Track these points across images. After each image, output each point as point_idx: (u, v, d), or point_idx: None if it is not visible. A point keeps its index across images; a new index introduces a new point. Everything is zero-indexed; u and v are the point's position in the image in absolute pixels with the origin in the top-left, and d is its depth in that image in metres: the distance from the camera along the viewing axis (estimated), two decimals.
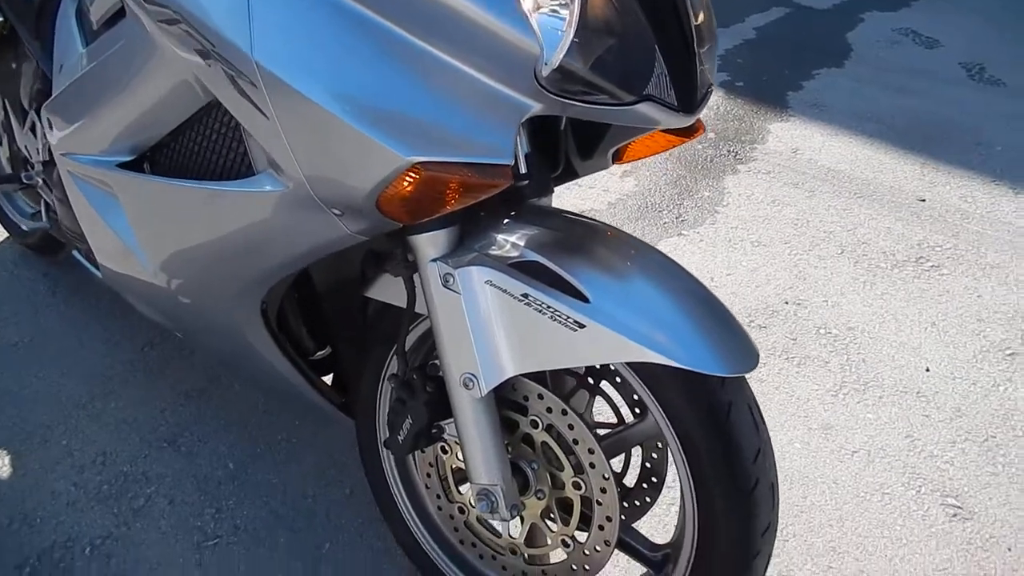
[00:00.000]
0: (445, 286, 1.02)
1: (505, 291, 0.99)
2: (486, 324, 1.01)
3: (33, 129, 1.64)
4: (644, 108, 0.88)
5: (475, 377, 1.03)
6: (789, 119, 3.08)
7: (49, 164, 1.56)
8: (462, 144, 0.86)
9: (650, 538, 1.21)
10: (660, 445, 1.20)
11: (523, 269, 1.00)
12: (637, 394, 1.15)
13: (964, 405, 1.81)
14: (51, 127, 1.36)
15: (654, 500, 1.23)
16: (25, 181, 1.70)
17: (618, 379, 1.19)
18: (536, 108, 0.87)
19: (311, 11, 0.88)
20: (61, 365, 1.90)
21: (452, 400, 1.09)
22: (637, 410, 1.18)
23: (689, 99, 0.91)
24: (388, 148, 0.85)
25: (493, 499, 1.10)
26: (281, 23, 0.88)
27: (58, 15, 1.49)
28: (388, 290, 1.18)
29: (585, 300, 0.96)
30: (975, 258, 2.32)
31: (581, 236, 1.07)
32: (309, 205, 0.96)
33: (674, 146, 1.16)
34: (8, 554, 1.47)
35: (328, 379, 1.44)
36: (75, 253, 1.60)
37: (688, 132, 1.11)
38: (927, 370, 1.91)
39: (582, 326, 0.95)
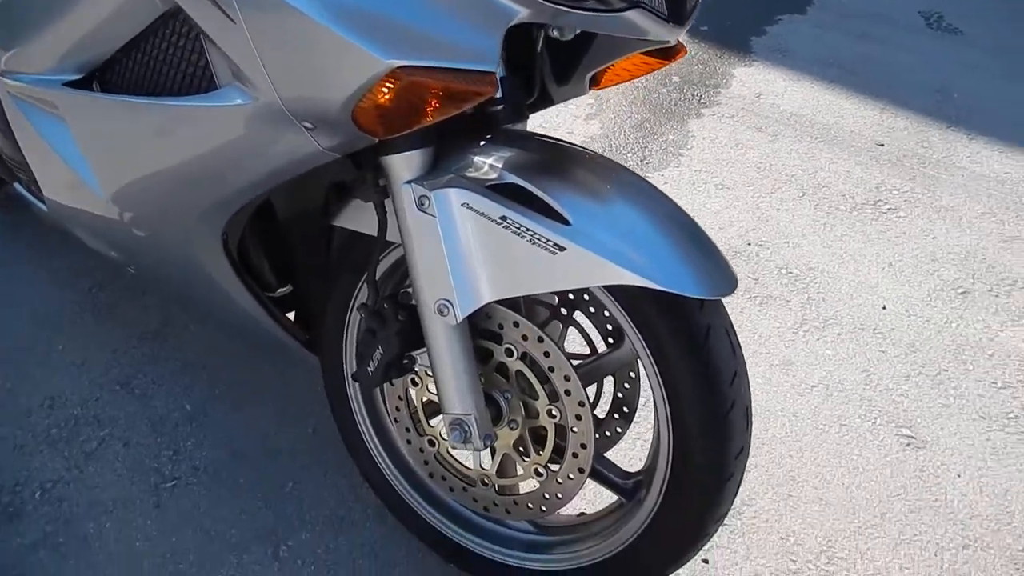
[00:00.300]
0: (420, 209, 0.98)
1: (482, 214, 0.96)
2: (462, 248, 0.98)
3: None
4: (634, 16, 0.84)
5: (450, 303, 1.00)
6: (752, 64, 3.06)
7: None
8: (445, 49, 0.81)
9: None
10: (633, 375, 1.20)
11: (501, 191, 0.97)
12: (614, 320, 1.14)
13: (918, 341, 1.85)
14: None
15: (624, 431, 1.23)
16: None
17: (591, 309, 1.18)
18: (523, 13, 0.82)
19: None
20: (4, 305, 1.81)
21: (425, 328, 1.06)
22: (611, 340, 1.17)
23: (679, 10, 0.88)
24: (367, 52, 0.80)
25: (466, 429, 1.08)
26: None
27: None
28: (357, 218, 1.14)
29: (565, 223, 0.94)
30: (931, 201, 2.36)
31: (560, 159, 1.03)
32: (278, 119, 0.90)
33: (653, 70, 1.13)
34: None
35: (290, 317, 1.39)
36: (16, 186, 1.50)
37: (669, 54, 1.08)
38: (884, 308, 1.94)
39: (562, 249, 0.92)
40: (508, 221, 0.94)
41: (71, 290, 1.86)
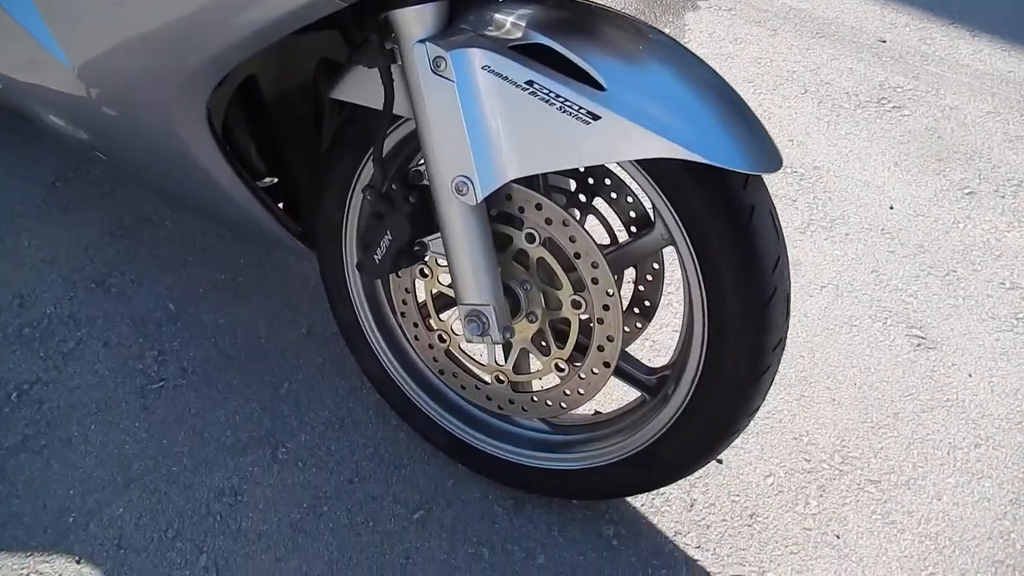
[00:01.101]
0: (435, 72, 0.87)
1: (506, 78, 0.85)
2: (483, 117, 0.88)
3: None
4: None
5: (469, 181, 0.90)
6: None
7: None
8: None
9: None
10: (656, 267, 1.12)
11: (526, 53, 0.86)
12: (639, 205, 1.06)
13: (927, 241, 1.80)
14: None
15: (644, 327, 1.16)
16: None
17: (614, 195, 1.09)
18: None
19: None
20: None
21: (440, 211, 0.96)
22: (634, 228, 1.09)
23: None
24: None
25: (484, 320, 1.00)
26: None
27: None
28: (357, 88, 1.02)
29: (599, 88, 0.84)
30: (935, 99, 2.28)
31: (588, 18, 0.92)
32: None
33: None
34: None
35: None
36: None
37: None
38: (891, 208, 1.89)
39: (597, 118, 0.83)
40: (535, 86, 0.84)
41: (33, 182, 1.72)
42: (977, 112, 2.25)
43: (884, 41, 2.53)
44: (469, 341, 1.04)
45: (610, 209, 1.10)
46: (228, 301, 1.51)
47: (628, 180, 1.03)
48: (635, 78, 0.86)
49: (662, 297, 1.13)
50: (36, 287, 1.50)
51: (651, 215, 1.04)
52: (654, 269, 1.12)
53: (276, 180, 1.29)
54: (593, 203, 1.13)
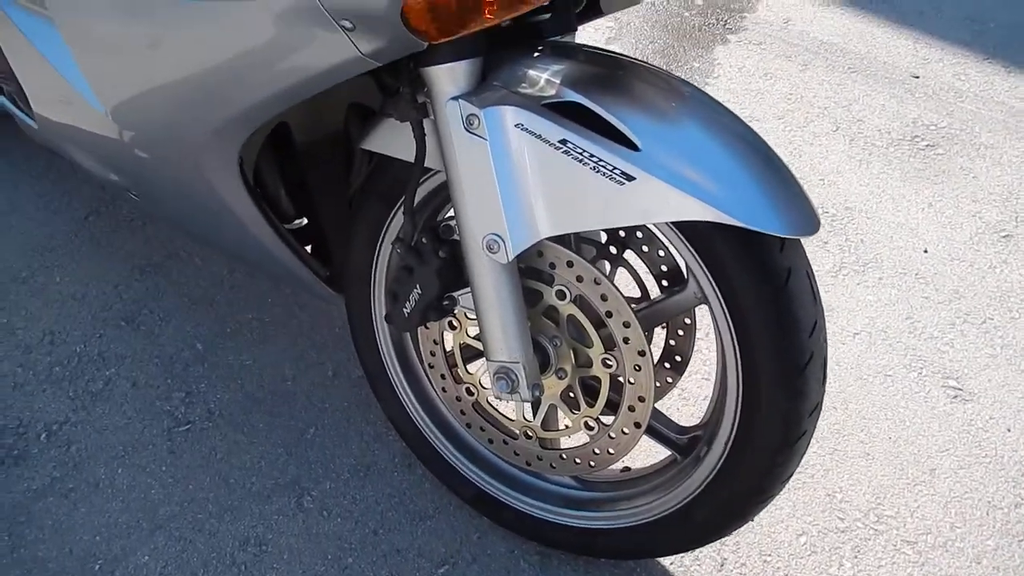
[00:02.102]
0: (468, 129, 0.86)
1: (539, 136, 0.84)
2: (516, 176, 0.87)
3: None
4: None
5: (501, 239, 0.89)
6: None
7: None
8: None
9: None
10: (688, 322, 1.10)
11: (559, 111, 0.85)
12: (671, 260, 1.04)
13: (962, 287, 1.76)
14: None
15: (675, 382, 1.14)
16: None
17: (645, 248, 1.08)
18: None
19: None
20: None
21: (470, 266, 0.95)
22: (665, 282, 1.07)
23: None
24: None
25: (514, 378, 0.99)
26: None
27: None
28: (388, 140, 1.02)
29: (634, 148, 0.82)
30: (969, 138, 2.24)
31: (620, 74, 0.91)
32: (311, 16, 0.78)
33: None
34: None
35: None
36: (2, 99, 1.37)
37: None
38: (925, 251, 1.85)
39: (631, 178, 0.82)
40: (569, 145, 0.83)
41: (65, 217, 1.74)
42: (1013, 151, 2.20)
43: (917, 77, 2.50)
44: (498, 398, 1.02)
45: (641, 262, 1.09)
46: (255, 341, 1.51)
47: (660, 235, 1.01)
48: (669, 137, 0.85)
49: (693, 351, 1.12)
50: (66, 324, 1.51)
51: (684, 272, 1.02)
52: (686, 324, 1.11)
53: (305, 222, 1.30)
54: (623, 256, 1.12)
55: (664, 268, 1.07)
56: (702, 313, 1.05)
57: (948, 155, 2.17)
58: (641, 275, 1.13)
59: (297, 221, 1.29)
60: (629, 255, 1.11)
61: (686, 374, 1.49)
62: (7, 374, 1.42)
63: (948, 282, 1.77)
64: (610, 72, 0.91)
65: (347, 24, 0.77)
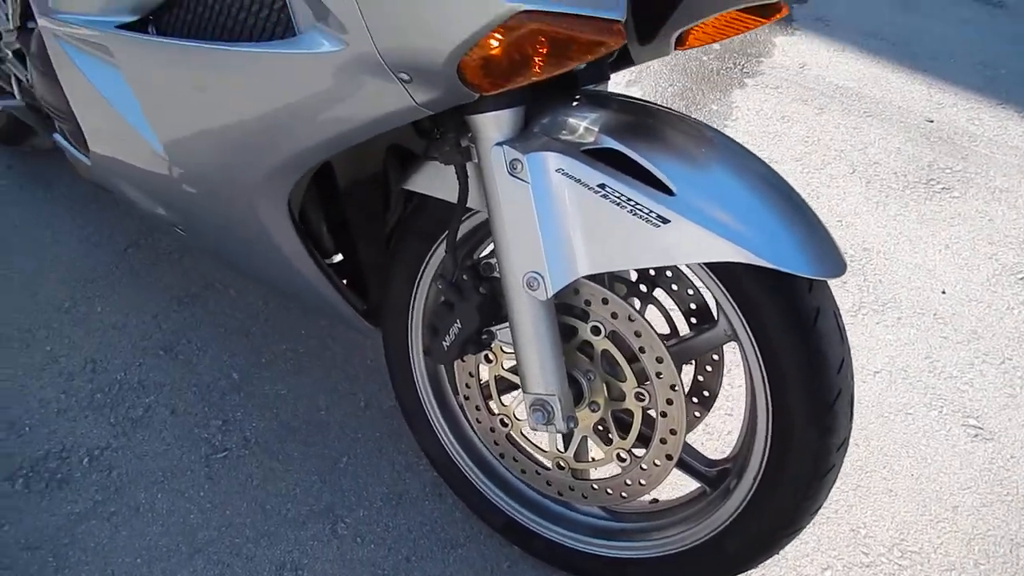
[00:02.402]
0: (511, 173, 0.91)
1: (579, 181, 0.89)
2: (556, 218, 0.92)
3: None
4: None
5: (541, 277, 0.94)
6: (794, 33, 2.97)
7: (24, 32, 1.38)
8: None
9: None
10: (716, 358, 1.14)
11: (598, 157, 0.90)
12: (699, 298, 1.08)
13: (980, 327, 1.79)
14: None
15: (703, 417, 1.18)
16: None
17: (674, 286, 1.12)
18: None
19: None
20: (35, 264, 1.75)
21: (509, 303, 1.00)
22: (693, 319, 1.11)
23: None
24: None
25: (549, 410, 1.03)
26: None
27: None
28: (430, 181, 1.07)
29: (668, 192, 0.87)
30: (984, 181, 2.29)
31: (653, 121, 0.97)
32: (370, 69, 0.83)
33: (747, 30, 1.05)
34: None
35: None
36: (56, 137, 1.43)
37: (767, 12, 1.01)
38: (943, 292, 1.89)
39: (666, 221, 0.86)
40: (607, 189, 0.88)
41: (106, 250, 1.80)
42: None
43: (932, 121, 2.55)
44: (533, 429, 1.06)
45: (670, 300, 1.13)
46: (289, 371, 1.55)
47: (689, 274, 1.06)
48: (702, 182, 0.90)
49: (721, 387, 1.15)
50: (107, 353, 1.56)
51: (713, 311, 1.06)
52: (713, 360, 1.14)
53: (341, 258, 1.35)
54: (653, 293, 1.16)
55: (692, 306, 1.11)
56: (729, 350, 1.09)
57: (964, 198, 2.21)
58: (670, 312, 1.17)
59: (336, 256, 1.35)
60: (658, 293, 1.15)
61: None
62: (50, 400, 1.47)
63: (966, 322, 1.80)
64: (643, 120, 0.96)
65: (405, 76, 0.82)
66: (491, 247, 1.13)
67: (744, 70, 2.73)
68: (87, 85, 1.18)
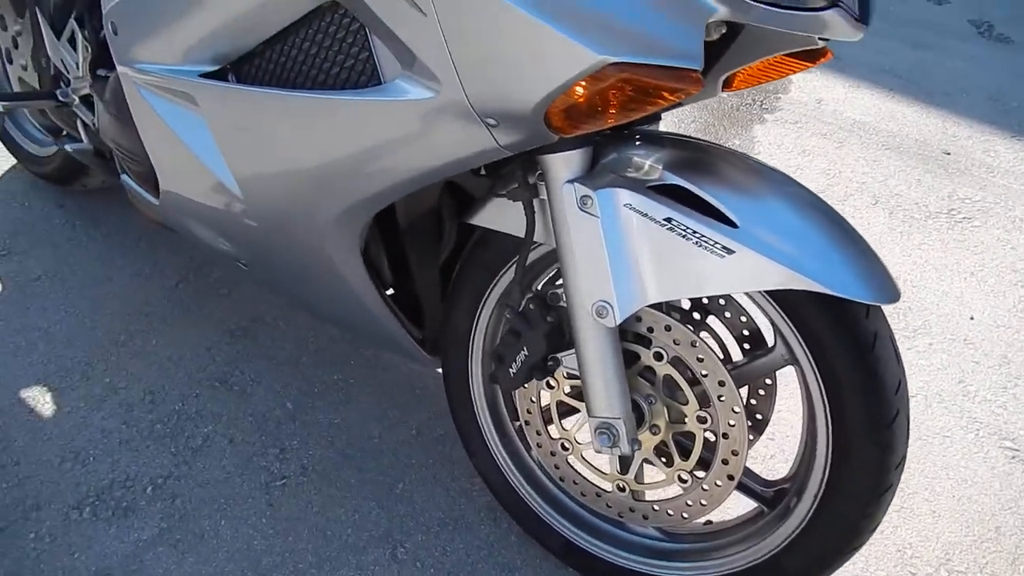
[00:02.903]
0: (582, 209, 0.97)
1: (646, 215, 0.95)
2: (624, 250, 0.97)
3: (72, 40, 1.51)
4: (830, 15, 0.83)
5: (609, 305, 0.99)
6: (810, 70, 3.05)
7: (98, 80, 1.45)
8: (652, 44, 0.80)
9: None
10: (769, 382, 1.18)
11: (662, 192, 0.96)
12: (751, 324, 1.13)
13: (1010, 352, 1.83)
14: (115, 33, 1.25)
15: (756, 439, 1.22)
16: (60, 99, 1.58)
17: (727, 314, 1.17)
18: (720, 12, 0.81)
19: None
20: (91, 300, 1.80)
21: (577, 331, 1.05)
22: (747, 345, 1.16)
23: (866, 9, 0.86)
24: (579, 45, 0.79)
25: (615, 433, 1.07)
26: None
27: None
28: (497, 217, 1.13)
29: (731, 224, 0.93)
30: (1004, 211, 2.34)
31: (708, 158, 1.03)
32: (458, 115, 0.89)
33: (792, 73, 1.11)
34: (63, 493, 1.40)
35: None
36: (124, 178, 1.49)
37: (813, 56, 1.07)
38: (971, 318, 1.93)
39: (731, 252, 0.92)
40: (673, 223, 0.94)
41: (157, 284, 1.85)
42: None
43: (948, 153, 2.62)
44: (598, 451, 1.10)
45: (723, 326, 1.17)
46: (341, 400, 1.60)
47: (743, 301, 1.10)
48: (761, 213, 0.95)
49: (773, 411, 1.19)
50: (165, 384, 1.61)
51: (770, 336, 1.11)
52: (767, 384, 1.19)
53: (392, 290, 1.40)
54: (706, 320, 1.21)
55: (745, 332, 1.16)
56: (781, 376, 1.14)
57: (985, 227, 2.27)
58: (722, 338, 1.22)
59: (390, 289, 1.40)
60: (711, 320, 1.20)
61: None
62: (113, 431, 1.51)
63: (996, 347, 1.84)
64: (699, 156, 1.02)
65: (492, 121, 0.88)
66: (548, 275, 1.18)
67: (763, 106, 2.80)
68: (165, 129, 1.25)
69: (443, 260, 1.36)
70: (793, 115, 2.76)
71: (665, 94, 0.82)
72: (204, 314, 1.78)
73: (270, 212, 1.21)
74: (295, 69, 1.07)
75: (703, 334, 1.22)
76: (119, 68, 1.27)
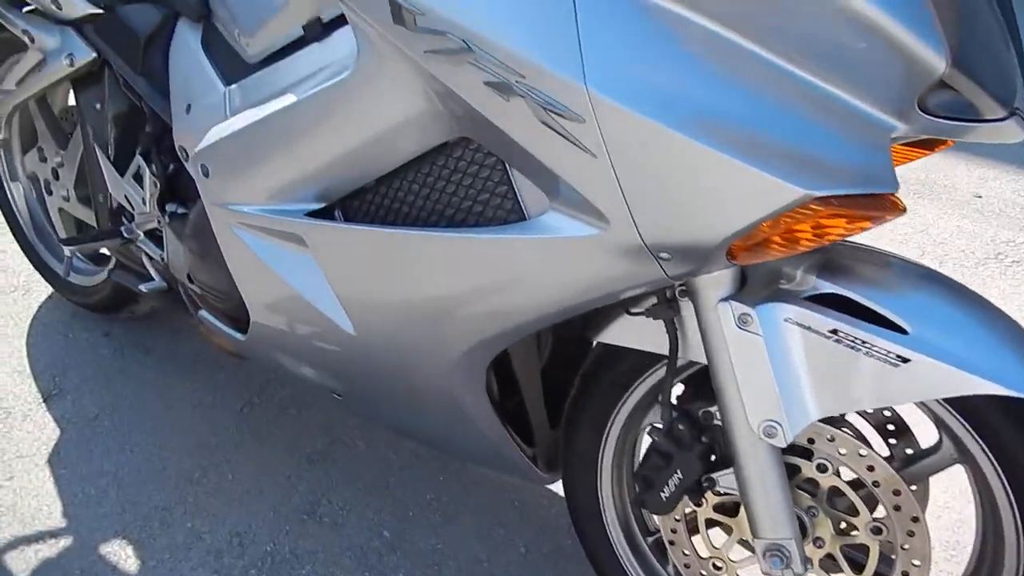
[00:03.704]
0: (740, 327, 0.93)
1: (810, 328, 0.91)
2: (789, 366, 0.93)
3: (137, 176, 1.46)
4: (1008, 125, 0.81)
5: (779, 424, 0.94)
6: None
7: (176, 216, 1.40)
8: (848, 173, 0.77)
9: None
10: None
11: (820, 302, 0.92)
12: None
13: None
14: (206, 175, 1.20)
15: None
16: (126, 236, 1.53)
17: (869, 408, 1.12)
18: (901, 129, 0.79)
19: (652, 32, 0.78)
20: (154, 435, 1.72)
21: (739, 451, 1.00)
22: (892, 440, 1.11)
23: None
24: (779, 180, 0.75)
25: (787, 554, 1.01)
26: (616, 47, 0.78)
27: (172, 48, 1.34)
28: (631, 334, 1.08)
29: (900, 331, 0.89)
30: None
31: (855, 259, 1.00)
32: (627, 251, 0.85)
33: (909, 161, 1.09)
34: None
35: None
36: (203, 314, 1.43)
37: (932, 144, 1.05)
38: None
39: (905, 360, 0.88)
40: (840, 334, 0.90)
41: (221, 411, 1.78)
42: None
43: (980, 196, 2.64)
44: (767, 574, 1.04)
45: (865, 423, 1.13)
46: (439, 522, 1.52)
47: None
48: (929, 317, 0.92)
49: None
50: (250, 523, 1.52)
51: (914, 431, 1.06)
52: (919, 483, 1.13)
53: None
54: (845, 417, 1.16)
55: (890, 427, 1.11)
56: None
57: None
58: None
59: None
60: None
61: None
62: None
63: None
64: (847, 260, 0.99)
65: (665, 256, 0.84)
66: (678, 390, 1.14)
67: None
68: (263, 268, 1.19)
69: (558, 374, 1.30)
70: None
71: (866, 223, 0.79)
72: (276, 439, 1.70)
73: (385, 348, 1.15)
74: (417, 204, 1.03)
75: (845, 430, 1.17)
76: (210, 208, 1.22)
